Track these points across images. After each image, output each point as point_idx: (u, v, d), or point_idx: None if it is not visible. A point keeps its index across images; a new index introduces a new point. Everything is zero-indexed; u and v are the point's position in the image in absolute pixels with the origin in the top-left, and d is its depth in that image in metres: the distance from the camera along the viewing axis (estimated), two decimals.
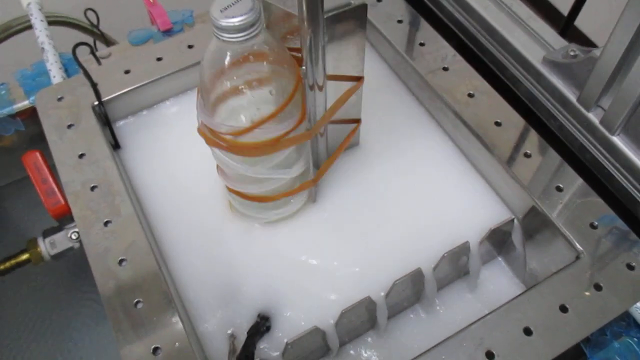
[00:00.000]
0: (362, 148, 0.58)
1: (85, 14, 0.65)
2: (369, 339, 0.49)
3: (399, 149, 0.57)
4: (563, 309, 0.44)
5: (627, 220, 0.48)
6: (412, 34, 0.62)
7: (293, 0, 0.42)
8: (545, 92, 0.56)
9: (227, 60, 0.41)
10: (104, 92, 0.57)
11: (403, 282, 0.46)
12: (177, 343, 0.43)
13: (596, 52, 0.50)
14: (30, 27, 0.67)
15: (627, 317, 0.47)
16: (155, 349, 0.42)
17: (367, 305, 0.46)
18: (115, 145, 0.58)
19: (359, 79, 0.49)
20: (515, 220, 0.52)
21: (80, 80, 0.57)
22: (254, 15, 0.38)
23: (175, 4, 0.68)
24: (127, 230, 0.48)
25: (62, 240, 0.52)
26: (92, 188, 0.51)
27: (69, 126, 0.55)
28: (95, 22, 0.66)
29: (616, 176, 0.51)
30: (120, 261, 0.46)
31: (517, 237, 0.51)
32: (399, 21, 0.63)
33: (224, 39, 0.39)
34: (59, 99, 0.56)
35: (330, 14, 0.42)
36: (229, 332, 0.47)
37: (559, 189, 0.50)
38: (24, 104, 0.62)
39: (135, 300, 0.44)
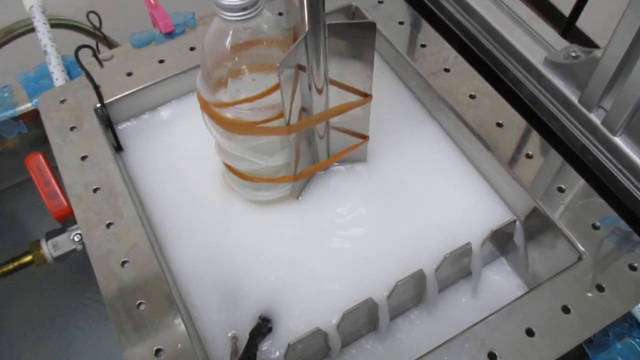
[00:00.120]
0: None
1: (87, 16, 0.65)
2: (371, 340, 0.49)
3: (400, 150, 0.58)
4: (565, 310, 0.44)
5: (629, 221, 0.48)
6: (414, 35, 0.62)
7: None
8: (547, 93, 0.56)
9: (228, 40, 0.41)
10: (106, 95, 0.57)
11: (405, 283, 0.46)
12: (179, 344, 0.43)
13: (597, 53, 0.50)
14: (32, 30, 0.67)
15: (629, 318, 0.47)
16: (158, 351, 0.42)
17: (369, 307, 0.46)
18: (118, 148, 0.58)
19: (366, 96, 0.48)
20: (517, 221, 0.52)
21: (82, 83, 0.57)
22: None
23: (177, 6, 0.68)
24: (129, 232, 0.48)
25: (65, 242, 0.52)
26: (95, 190, 0.51)
27: (72, 128, 0.55)
28: (97, 24, 0.66)
29: (618, 177, 0.51)
30: (123, 263, 0.46)
31: (519, 238, 0.51)
32: (400, 22, 0.63)
33: (226, 17, 0.39)
34: (62, 102, 0.57)
35: (335, 22, 0.42)
36: (231, 333, 0.47)
37: (560, 190, 0.50)
38: (26, 106, 0.62)
39: (138, 302, 0.44)
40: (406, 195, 0.55)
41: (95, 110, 0.56)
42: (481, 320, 0.44)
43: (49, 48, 0.63)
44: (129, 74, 0.59)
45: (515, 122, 0.54)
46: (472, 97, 0.56)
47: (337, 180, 0.56)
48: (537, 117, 0.58)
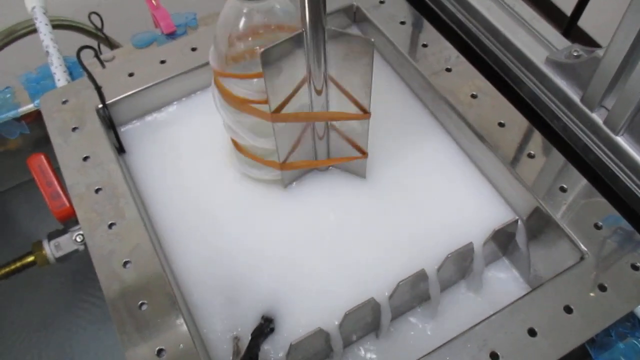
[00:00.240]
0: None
1: (89, 17, 0.65)
2: (373, 340, 0.49)
3: (402, 150, 0.57)
4: (567, 309, 0.44)
5: (631, 221, 0.48)
6: (415, 35, 0.62)
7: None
8: (549, 92, 0.56)
9: (242, 22, 0.42)
10: (108, 95, 0.57)
11: (407, 283, 0.46)
12: (181, 345, 0.43)
13: (599, 52, 0.50)
14: (34, 30, 0.67)
15: (632, 317, 0.47)
16: (160, 351, 0.42)
17: (371, 307, 0.46)
18: (120, 149, 0.58)
19: (365, 112, 0.48)
20: (519, 221, 0.51)
21: (84, 84, 0.57)
22: None
23: (179, 6, 0.68)
24: (131, 233, 0.48)
25: (67, 243, 0.52)
26: (97, 191, 0.51)
27: (74, 129, 0.55)
28: (99, 25, 0.66)
29: (620, 176, 0.51)
30: (125, 263, 0.46)
31: (521, 238, 0.51)
32: (402, 22, 0.63)
33: None
34: (64, 102, 0.57)
35: (334, 28, 0.42)
36: (233, 334, 0.47)
37: (562, 190, 0.50)
38: (28, 107, 0.62)
39: (140, 302, 0.45)
40: (408, 195, 0.55)
41: (97, 110, 0.56)
42: (483, 320, 0.43)
43: (51, 49, 0.63)
44: (131, 75, 0.59)
45: (517, 121, 0.54)
46: (473, 96, 0.56)
47: (340, 180, 0.56)
48: (539, 117, 0.58)
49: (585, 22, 0.65)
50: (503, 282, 0.52)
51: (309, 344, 0.44)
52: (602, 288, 0.45)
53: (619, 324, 0.46)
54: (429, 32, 0.62)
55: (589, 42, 0.70)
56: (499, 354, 0.42)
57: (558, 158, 0.52)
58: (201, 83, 0.62)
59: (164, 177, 0.56)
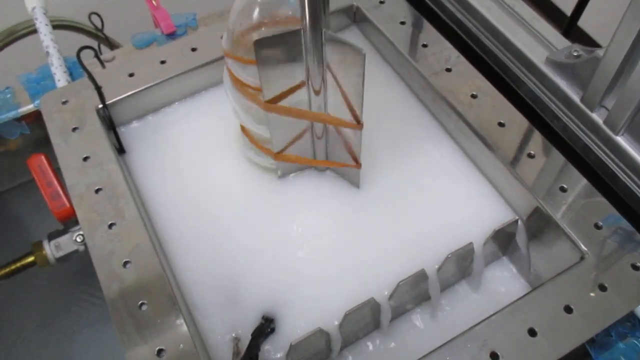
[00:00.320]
0: (366, 149, 0.58)
1: (89, 17, 0.65)
2: (373, 340, 0.49)
3: (402, 150, 0.57)
4: (568, 309, 0.44)
5: (631, 221, 0.48)
6: (415, 35, 0.62)
7: None
8: (549, 92, 0.56)
9: (256, 11, 0.43)
10: (108, 95, 0.57)
11: (407, 283, 0.46)
12: (181, 345, 0.43)
13: (599, 52, 0.49)
14: (35, 31, 0.68)
15: (632, 317, 0.47)
16: (160, 351, 0.42)
17: (371, 307, 0.46)
18: (120, 150, 0.58)
19: (358, 122, 0.48)
20: (519, 221, 0.51)
21: (84, 84, 0.57)
22: None
23: (179, 7, 0.68)
24: (131, 233, 0.48)
25: (67, 243, 0.52)
26: (97, 191, 0.51)
27: (74, 129, 0.55)
28: (99, 26, 0.66)
29: (620, 176, 0.51)
30: (125, 263, 0.46)
31: (521, 238, 0.51)
32: (402, 22, 0.63)
33: None
34: (64, 103, 0.57)
35: (329, 32, 0.42)
36: (233, 334, 0.47)
37: (563, 190, 0.50)
38: (28, 107, 0.62)
39: (140, 303, 0.45)
40: (408, 195, 0.55)
41: (97, 111, 0.56)
42: (483, 320, 0.43)
43: (51, 49, 0.63)
44: (131, 75, 0.59)
45: (517, 121, 0.54)
46: (473, 96, 0.56)
47: (340, 180, 0.56)
48: (539, 117, 0.58)
49: (585, 22, 0.65)
50: (503, 281, 0.52)
51: (309, 344, 0.44)
52: (603, 288, 0.45)
53: (619, 323, 0.46)
54: (429, 32, 0.62)
55: (589, 42, 0.70)
56: (499, 354, 0.42)
57: (558, 158, 0.52)
58: (201, 83, 0.62)
59: (164, 177, 0.56)
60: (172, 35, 0.65)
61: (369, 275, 0.50)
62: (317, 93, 0.46)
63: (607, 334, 0.46)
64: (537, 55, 0.57)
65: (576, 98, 0.53)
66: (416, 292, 0.49)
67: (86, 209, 0.50)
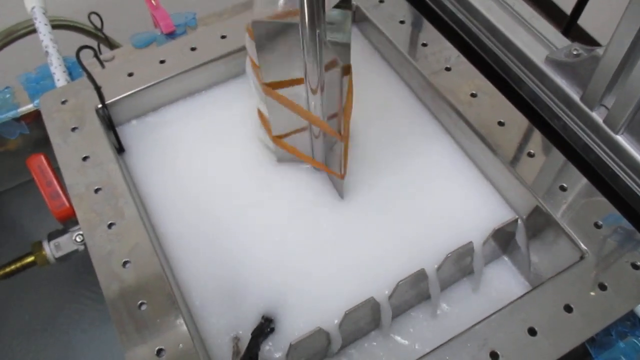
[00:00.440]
0: (365, 149, 0.58)
1: (89, 17, 0.65)
2: (373, 340, 0.49)
3: (401, 150, 0.57)
4: (568, 309, 0.44)
5: (631, 220, 0.48)
6: (415, 34, 0.62)
7: None
8: (549, 91, 0.56)
9: (281, 1, 0.43)
10: (108, 95, 0.57)
11: (407, 283, 0.46)
12: (181, 345, 0.43)
13: (599, 51, 0.49)
14: (34, 31, 0.67)
15: (632, 316, 0.47)
16: (159, 351, 0.42)
17: (371, 306, 0.46)
18: (120, 149, 0.58)
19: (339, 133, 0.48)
20: (519, 220, 0.51)
21: (84, 84, 0.57)
22: None
23: (178, 6, 0.68)
24: (130, 233, 0.48)
25: (67, 243, 0.52)
26: (96, 190, 0.51)
27: (73, 129, 0.55)
28: (99, 25, 0.66)
29: (620, 175, 0.51)
30: (124, 263, 0.46)
31: (520, 237, 0.51)
32: (401, 22, 0.63)
33: None
34: (63, 102, 0.57)
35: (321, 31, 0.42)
36: (233, 334, 0.47)
37: (562, 189, 0.50)
38: (28, 107, 0.62)
39: (139, 302, 0.45)
40: (407, 195, 0.55)
41: (97, 110, 0.56)
42: (483, 320, 0.43)
43: (51, 49, 0.63)
44: (130, 75, 0.59)
45: (517, 120, 0.54)
46: (473, 95, 0.56)
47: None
48: (538, 116, 0.58)
49: (585, 21, 0.65)
50: (503, 281, 0.52)
51: (308, 343, 0.44)
52: (602, 287, 0.45)
53: (619, 323, 0.46)
54: (429, 32, 0.62)
55: (588, 40, 0.70)
56: (499, 353, 0.42)
57: (558, 157, 0.52)
58: (201, 83, 0.62)
59: (164, 176, 0.56)
60: (171, 35, 0.65)
61: (368, 275, 0.50)
62: (314, 92, 0.46)
63: (607, 333, 0.46)
64: (537, 55, 0.57)
65: (576, 97, 0.53)
66: (416, 291, 0.49)
67: (86, 208, 0.50)
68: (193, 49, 0.61)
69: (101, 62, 0.61)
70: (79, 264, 0.52)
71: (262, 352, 0.46)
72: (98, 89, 0.56)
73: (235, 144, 0.58)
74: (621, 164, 0.50)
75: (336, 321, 0.46)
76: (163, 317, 0.44)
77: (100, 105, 0.56)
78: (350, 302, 0.45)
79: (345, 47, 0.45)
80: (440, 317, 0.50)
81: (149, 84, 0.58)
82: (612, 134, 0.50)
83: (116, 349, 0.43)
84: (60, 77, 0.61)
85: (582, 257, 0.46)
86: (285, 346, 0.45)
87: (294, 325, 0.47)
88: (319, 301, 0.49)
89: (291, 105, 0.48)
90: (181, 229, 0.53)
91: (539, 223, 0.50)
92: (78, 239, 0.52)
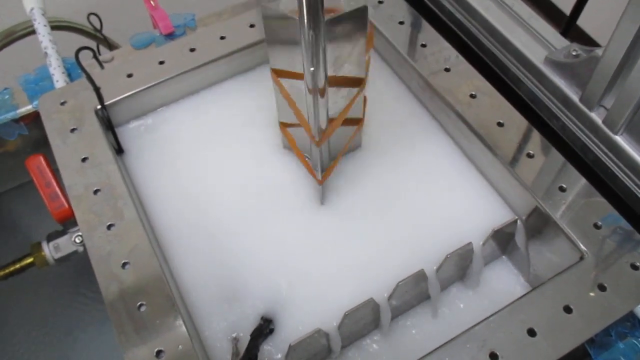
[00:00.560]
0: (364, 150, 0.58)
1: (88, 18, 0.65)
2: (373, 341, 0.49)
3: (401, 150, 0.57)
4: (567, 309, 0.44)
5: (631, 220, 0.48)
6: (414, 35, 0.62)
7: None
8: (547, 92, 0.56)
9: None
10: (107, 96, 0.57)
11: (406, 284, 0.46)
12: (180, 346, 0.43)
13: (598, 52, 0.49)
14: (33, 32, 0.67)
15: (631, 317, 0.47)
16: (159, 352, 0.42)
17: (371, 307, 0.46)
18: (119, 150, 0.58)
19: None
20: (518, 221, 0.51)
21: (83, 85, 0.57)
22: None
23: (177, 7, 0.68)
24: (130, 234, 0.48)
25: (66, 244, 0.52)
26: (95, 192, 0.51)
27: (72, 130, 0.55)
28: (98, 26, 0.66)
29: (619, 176, 0.51)
30: (124, 264, 0.46)
31: (520, 238, 0.51)
32: (401, 22, 0.63)
33: None
34: (62, 103, 0.57)
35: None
36: (232, 334, 0.47)
37: (562, 189, 0.50)
38: (27, 108, 0.62)
39: (139, 304, 0.44)
40: (407, 195, 0.54)
41: (96, 111, 0.56)
42: (482, 321, 0.43)
43: (50, 50, 0.63)
44: (130, 76, 0.59)
45: (516, 121, 0.54)
46: (472, 96, 0.56)
47: (338, 181, 0.56)
48: (537, 116, 0.58)
49: (584, 22, 0.65)
50: (502, 282, 0.52)
51: (308, 344, 0.44)
52: (602, 288, 0.45)
53: (618, 323, 0.46)
54: (428, 32, 0.62)
55: (587, 41, 0.70)
56: (498, 354, 0.42)
57: (557, 158, 0.52)
58: (200, 83, 0.62)
59: (163, 177, 0.56)
60: (170, 36, 0.65)
61: (368, 276, 0.50)
62: (322, 94, 0.46)
63: (606, 334, 0.46)
64: (536, 55, 0.57)
65: (575, 97, 0.53)
66: (416, 292, 0.49)
67: (85, 209, 0.50)
68: (192, 50, 0.61)
69: (100, 63, 0.61)
70: (79, 265, 0.52)
71: (263, 353, 0.46)
72: (97, 90, 0.56)
73: (234, 145, 0.58)
74: (620, 164, 0.50)
75: (335, 322, 0.45)
76: (162, 318, 0.44)
77: (99, 106, 0.56)
78: (350, 303, 0.45)
79: (360, 15, 0.44)
80: (440, 317, 0.50)
81: (148, 85, 0.58)
82: (611, 134, 0.50)
83: (116, 350, 0.42)
84: (59, 78, 0.61)
85: (581, 258, 0.46)
86: (284, 347, 0.45)
87: (293, 326, 0.47)
88: (319, 302, 0.49)
89: (287, 97, 0.48)
90: (180, 229, 0.53)
91: (538, 223, 0.50)
92: (77, 240, 0.52)
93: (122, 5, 0.89)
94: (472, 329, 0.43)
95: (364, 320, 0.47)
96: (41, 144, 0.58)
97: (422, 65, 0.59)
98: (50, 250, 0.52)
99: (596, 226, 0.48)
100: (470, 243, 0.49)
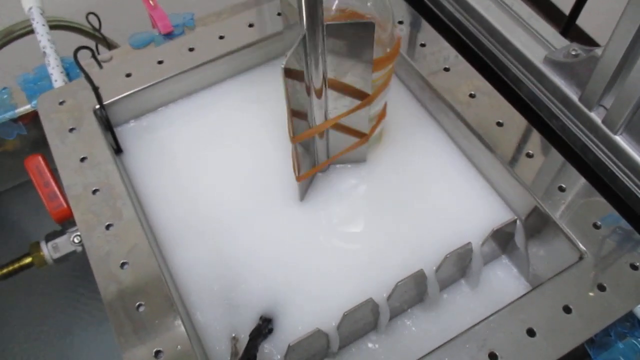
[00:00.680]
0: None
1: (86, 18, 0.65)
2: (372, 341, 0.49)
3: (399, 150, 0.57)
4: (567, 309, 0.44)
5: (630, 220, 0.48)
6: (413, 34, 0.62)
7: None
8: (547, 91, 0.56)
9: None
10: (106, 96, 0.57)
11: (405, 284, 0.46)
12: (179, 346, 0.43)
13: (598, 51, 0.49)
14: (31, 31, 0.67)
15: (631, 317, 0.47)
16: (158, 352, 0.42)
17: (370, 307, 0.46)
18: (117, 150, 0.58)
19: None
20: (518, 221, 0.51)
21: (81, 84, 0.57)
22: None
23: (176, 7, 0.68)
24: (128, 234, 0.48)
25: (65, 244, 0.52)
26: (94, 191, 0.51)
27: (71, 130, 0.55)
28: (96, 26, 0.66)
29: (619, 175, 0.51)
30: (122, 264, 0.46)
31: (519, 237, 0.51)
32: (400, 22, 0.63)
33: None
34: (61, 103, 0.57)
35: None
36: (231, 335, 0.47)
37: (561, 189, 0.50)
38: (25, 108, 0.62)
39: (137, 304, 0.44)
40: (406, 195, 0.54)
41: (95, 111, 0.56)
42: (482, 320, 0.43)
43: (48, 49, 0.63)
44: (128, 75, 0.59)
45: (516, 121, 0.54)
46: (472, 96, 0.56)
47: (337, 180, 0.56)
48: (537, 116, 0.58)
49: (583, 21, 0.65)
50: (502, 282, 0.52)
51: (307, 344, 0.44)
52: (601, 288, 0.45)
53: (618, 323, 0.46)
54: (427, 32, 0.62)
55: (587, 41, 0.70)
56: (498, 354, 0.42)
57: (557, 157, 0.52)
58: (199, 83, 0.62)
59: (161, 177, 0.56)
60: (169, 35, 0.65)
61: (367, 276, 0.50)
62: (319, 94, 0.46)
63: (606, 334, 0.46)
64: (536, 55, 0.57)
65: (575, 97, 0.53)
66: (415, 292, 0.49)
67: (83, 209, 0.50)
68: (191, 50, 0.60)
69: (99, 63, 0.61)
70: (78, 265, 0.52)
71: (263, 353, 0.46)
72: (96, 89, 0.56)
73: (234, 145, 0.58)
74: (620, 164, 0.50)
75: (334, 322, 0.45)
76: (161, 318, 0.44)
77: (98, 106, 0.56)
78: (349, 303, 0.45)
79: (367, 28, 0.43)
80: (440, 317, 0.50)
81: (147, 85, 0.58)
82: (610, 134, 0.50)
83: (114, 350, 0.42)
84: (57, 78, 0.61)
85: (581, 258, 0.46)
86: (283, 347, 0.44)
87: (293, 326, 0.47)
88: (317, 302, 0.49)
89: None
90: (179, 229, 0.53)
91: (537, 223, 0.50)
92: (76, 240, 0.52)
93: (121, 5, 0.89)
94: (472, 329, 0.43)
95: (364, 321, 0.47)
96: (40, 144, 0.58)
97: (422, 64, 0.59)
98: (48, 250, 0.52)
99: (596, 226, 0.48)
100: (469, 243, 0.49)
